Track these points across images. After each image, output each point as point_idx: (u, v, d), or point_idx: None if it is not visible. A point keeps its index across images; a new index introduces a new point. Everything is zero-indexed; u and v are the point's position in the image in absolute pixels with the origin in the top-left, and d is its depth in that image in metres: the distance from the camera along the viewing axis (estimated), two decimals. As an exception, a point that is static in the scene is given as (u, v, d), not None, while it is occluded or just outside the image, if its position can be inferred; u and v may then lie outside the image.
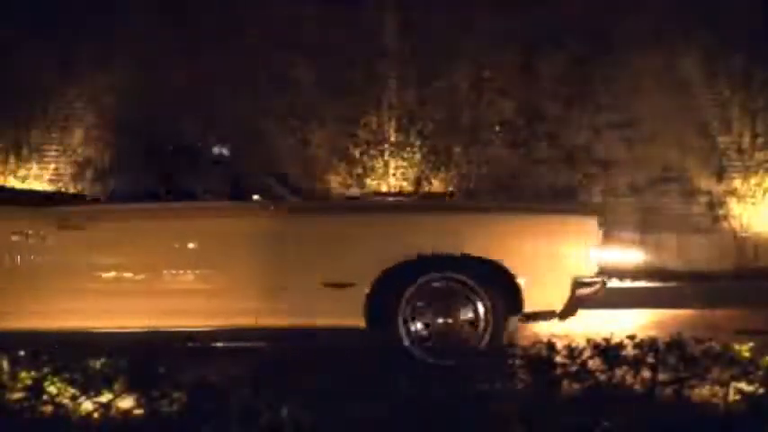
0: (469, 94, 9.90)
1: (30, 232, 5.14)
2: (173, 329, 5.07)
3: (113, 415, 3.45)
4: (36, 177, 9.69)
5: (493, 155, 9.80)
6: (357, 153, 9.68)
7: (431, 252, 5.04)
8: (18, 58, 9.45)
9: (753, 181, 9.62)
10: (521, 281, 5.00)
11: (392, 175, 9.65)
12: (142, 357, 3.72)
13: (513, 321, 5.16)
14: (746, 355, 3.72)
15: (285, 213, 5.19)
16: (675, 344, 3.71)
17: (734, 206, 9.67)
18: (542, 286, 5.09)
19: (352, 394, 3.42)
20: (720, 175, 9.74)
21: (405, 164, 9.68)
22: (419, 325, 5.03)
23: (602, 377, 3.56)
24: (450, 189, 9.59)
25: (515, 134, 9.81)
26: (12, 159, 9.64)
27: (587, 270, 5.15)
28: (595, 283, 5.19)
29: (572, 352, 3.72)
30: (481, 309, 5.01)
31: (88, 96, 9.84)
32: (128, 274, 5.18)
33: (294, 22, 9.65)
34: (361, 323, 5.01)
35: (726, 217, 9.70)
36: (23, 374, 3.64)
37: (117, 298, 5.11)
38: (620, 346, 3.73)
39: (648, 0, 9.69)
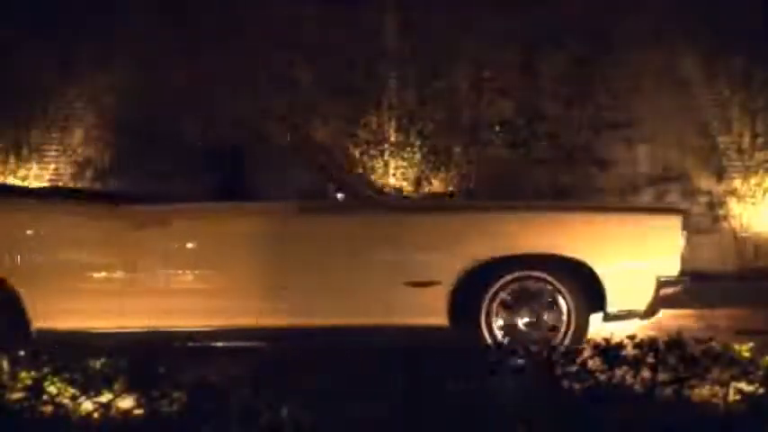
0: (469, 94, 9.89)
1: (105, 232, 5.05)
2: (276, 328, 5.00)
3: (113, 415, 3.45)
4: (36, 177, 9.67)
5: (493, 155, 9.78)
6: (357, 153, 9.67)
7: (516, 251, 5.03)
8: (18, 58, 9.44)
9: (753, 181, 9.60)
10: (605, 280, 4.97)
11: (392, 175, 9.64)
12: (142, 357, 3.71)
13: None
14: (746, 355, 3.72)
15: (372, 212, 5.15)
16: (675, 344, 3.70)
17: (734, 206, 9.65)
18: (627, 286, 5.06)
19: (361, 395, 3.42)
20: (720, 175, 9.72)
21: (405, 164, 9.66)
22: (501, 324, 5.01)
23: (603, 377, 3.56)
24: (451, 189, 9.58)
25: (515, 134, 9.79)
26: (12, 159, 9.62)
27: (672, 270, 5.11)
28: (679, 282, 5.16)
29: (572, 352, 3.72)
30: (564, 308, 4.99)
31: (88, 96, 9.82)
32: (221, 273, 5.10)
33: (294, 22, 9.64)
34: (444, 322, 4.99)
35: (726, 217, 9.69)
36: (23, 374, 3.63)
37: (215, 297, 5.02)
38: (620, 346, 3.73)
39: (648, 0, 9.69)
